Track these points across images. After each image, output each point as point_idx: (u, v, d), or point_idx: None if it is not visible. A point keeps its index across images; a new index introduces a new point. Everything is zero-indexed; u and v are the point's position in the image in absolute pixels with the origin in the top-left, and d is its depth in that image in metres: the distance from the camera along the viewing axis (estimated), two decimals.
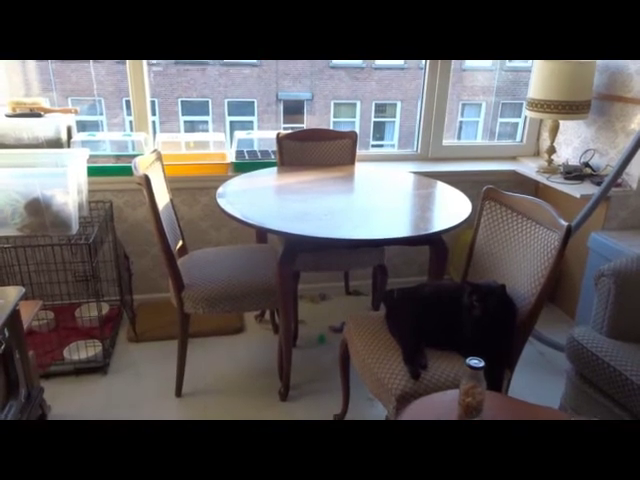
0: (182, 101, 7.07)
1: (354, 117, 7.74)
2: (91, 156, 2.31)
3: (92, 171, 2.36)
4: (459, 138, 8.03)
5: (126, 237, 2.60)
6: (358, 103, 7.66)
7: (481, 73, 6.97)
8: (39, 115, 2.40)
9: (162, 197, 2.04)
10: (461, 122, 7.51)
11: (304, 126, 7.00)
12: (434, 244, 1.85)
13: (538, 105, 2.51)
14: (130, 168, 1.88)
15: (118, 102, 6.29)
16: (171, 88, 6.94)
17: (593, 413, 1.69)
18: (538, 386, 2.16)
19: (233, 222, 1.90)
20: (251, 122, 7.41)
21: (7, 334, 1.48)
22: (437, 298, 1.64)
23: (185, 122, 7.15)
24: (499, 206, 1.78)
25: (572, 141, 2.77)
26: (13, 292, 1.51)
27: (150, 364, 2.26)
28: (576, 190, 2.37)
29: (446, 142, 2.97)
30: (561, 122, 2.70)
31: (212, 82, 7.09)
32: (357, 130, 2.64)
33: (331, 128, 2.62)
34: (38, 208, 1.95)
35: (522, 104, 2.75)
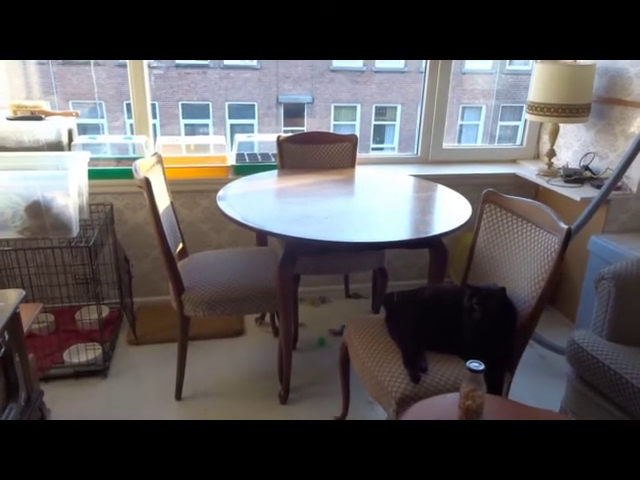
0: (183, 104, 7.08)
1: (354, 120, 7.75)
2: (92, 159, 2.31)
3: (93, 174, 2.37)
4: (459, 141, 8.04)
5: (126, 240, 2.60)
6: (358, 106, 7.67)
7: (481, 76, 6.97)
8: (40, 118, 2.40)
9: (162, 200, 2.04)
10: (461, 125, 7.51)
11: (304, 129, 7.00)
12: (434, 247, 1.85)
13: (538, 108, 2.51)
14: (131, 171, 1.89)
15: (119, 105, 6.29)
16: (172, 91, 6.94)
17: (593, 416, 1.69)
18: (538, 389, 2.16)
19: (233, 225, 1.91)
20: (251, 125, 7.42)
21: (7, 337, 1.48)
22: (437, 301, 1.64)
23: (185, 125, 7.15)
24: (499, 209, 1.78)
25: (572, 144, 2.78)
26: (13, 295, 1.51)
27: (150, 367, 2.26)
28: (576, 193, 2.38)
29: (446, 145, 2.97)
30: (561, 125, 2.70)
31: (213, 85, 7.10)
32: (357, 133, 2.64)
33: (331, 131, 2.62)
34: (38, 211, 1.95)
35: (522, 107, 2.76)
